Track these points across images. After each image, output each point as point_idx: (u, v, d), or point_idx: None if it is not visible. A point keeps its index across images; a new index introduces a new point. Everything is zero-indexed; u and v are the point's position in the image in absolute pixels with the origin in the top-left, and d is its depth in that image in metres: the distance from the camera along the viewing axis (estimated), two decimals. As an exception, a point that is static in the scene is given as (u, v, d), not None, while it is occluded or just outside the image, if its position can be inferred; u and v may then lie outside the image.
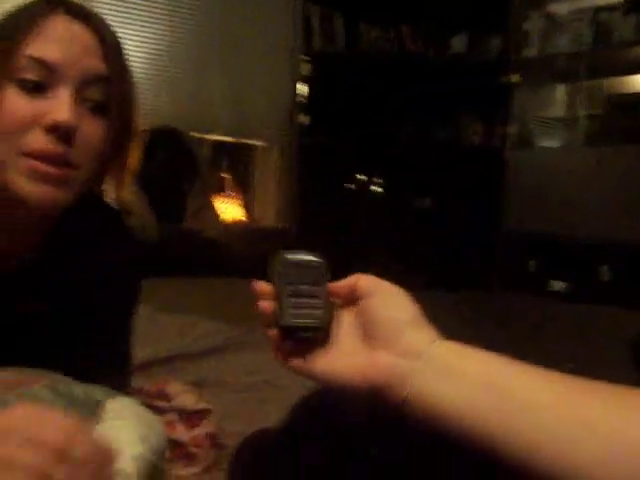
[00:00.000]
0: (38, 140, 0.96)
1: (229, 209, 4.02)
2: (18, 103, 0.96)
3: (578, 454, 0.60)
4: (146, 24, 3.74)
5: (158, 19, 3.78)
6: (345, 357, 0.76)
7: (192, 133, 3.81)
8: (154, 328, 2.55)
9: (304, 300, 0.76)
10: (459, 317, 3.89)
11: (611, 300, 3.55)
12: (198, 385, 1.98)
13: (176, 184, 3.63)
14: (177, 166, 3.62)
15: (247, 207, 4.20)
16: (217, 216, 3.80)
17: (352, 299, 0.79)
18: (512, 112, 4.10)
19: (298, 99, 4.08)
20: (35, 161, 0.96)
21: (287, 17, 4.07)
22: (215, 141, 4.08)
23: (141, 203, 3.36)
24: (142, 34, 3.70)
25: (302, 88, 4.08)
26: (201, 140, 3.96)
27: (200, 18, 3.91)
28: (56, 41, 0.98)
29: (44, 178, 0.97)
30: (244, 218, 4.11)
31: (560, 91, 4.25)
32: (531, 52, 4.01)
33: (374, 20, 4.12)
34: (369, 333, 0.75)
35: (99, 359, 1.14)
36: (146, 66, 3.69)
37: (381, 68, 4.13)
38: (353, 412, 0.90)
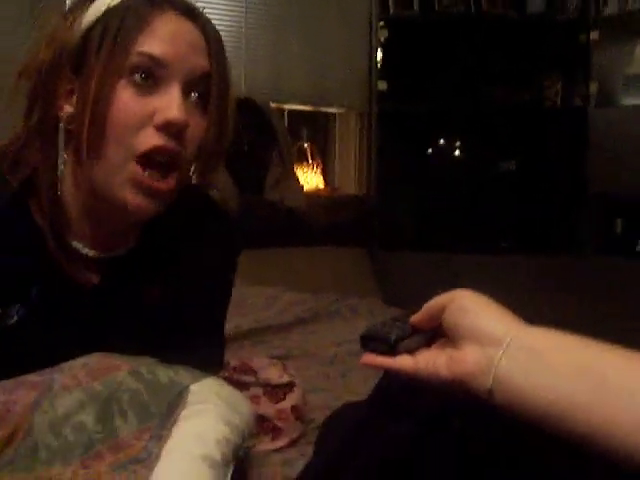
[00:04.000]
0: (151, 138, 0.98)
1: (309, 178, 4.04)
2: (130, 102, 0.98)
3: None
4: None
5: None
6: (431, 356, 0.78)
7: (270, 103, 3.83)
8: (239, 300, 2.60)
9: (388, 326, 0.84)
10: (546, 281, 3.86)
11: None
12: (283, 357, 2.02)
13: (256, 155, 3.66)
14: (256, 137, 3.65)
15: (327, 176, 4.22)
16: (297, 186, 3.83)
17: (436, 322, 0.81)
18: (593, 71, 3.99)
19: (376, 65, 4.05)
20: (143, 173, 0.99)
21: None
22: (293, 110, 4.09)
23: (223, 176, 3.41)
24: (218, 4, 3.72)
25: (379, 54, 4.05)
26: (279, 110, 3.98)
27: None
28: (166, 38, 1.00)
29: (147, 191, 1.00)
30: (324, 187, 4.12)
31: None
32: (611, 9, 3.89)
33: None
34: (454, 336, 0.76)
35: (200, 339, 1.19)
36: (223, 36, 3.71)
37: (458, 31, 4.07)
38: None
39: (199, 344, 1.16)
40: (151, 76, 0.99)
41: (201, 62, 1.03)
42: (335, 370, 2.00)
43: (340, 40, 4.05)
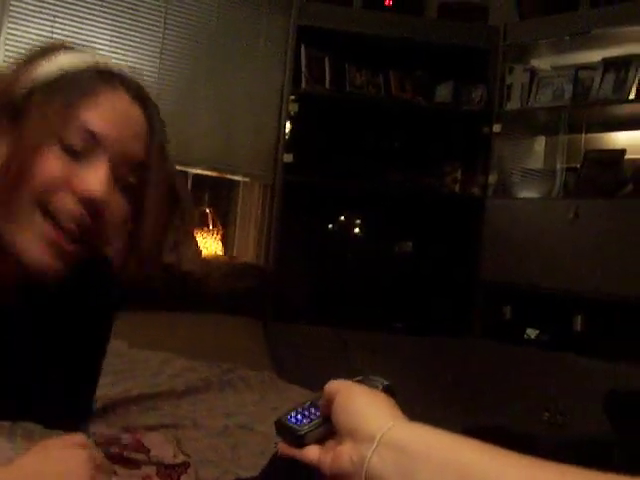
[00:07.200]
0: (69, 202, 0.97)
1: (208, 244, 4.02)
2: (57, 163, 0.97)
3: None
4: (137, 53, 3.77)
5: (149, 49, 3.81)
6: (328, 449, 0.78)
7: (175, 165, 3.81)
8: (128, 365, 2.54)
9: (301, 415, 0.86)
10: (435, 362, 3.92)
11: (584, 350, 3.60)
12: (173, 426, 1.97)
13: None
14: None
15: (227, 243, 4.20)
16: (196, 250, 3.80)
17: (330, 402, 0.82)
18: (493, 162, 4.16)
19: (283, 137, 4.11)
20: (55, 230, 0.97)
21: (277, 56, 4.12)
22: (197, 175, 4.09)
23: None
24: (132, 62, 3.70)
25: (288, 127, 4.11)
26: (183, 173, 3.96)
27: (191, 51, 3.95)
28: (109, 117, 1.00)
29: (56, 250, 0.99)
30: (222, 253, 4.11)
31: (540, 144, 4.33)
32: (513, 104, 4.09)
33: (362, 65, 4.17)
34: (338, 430, 0.77)
35: (72, 383, 1.16)
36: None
37: (367, 112, 4.20)
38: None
39: (71, 389, 1.15)
40: (85, 148, 0.99)
41: (138, 150, 1.04)
42: (225, 442, 1.95)
43: (250, 110, 4.10)
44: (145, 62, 3.78)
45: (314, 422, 0.83)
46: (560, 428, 3.54)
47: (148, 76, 3.77)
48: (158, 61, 3.83)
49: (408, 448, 0.68)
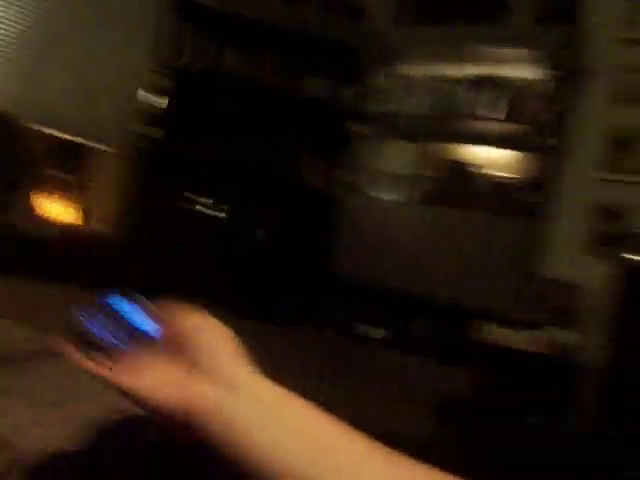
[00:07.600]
0: None
1: (62, 210, 3.90)
2: None
3: None
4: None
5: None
6: (160, 376, 0.73)
7: (31, 124, 3.66)
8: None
9: (105, 322, 0.64)
10: (275, 351, 3.94)
11: (422, 352, 3.70)
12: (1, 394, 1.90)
13: (7, 176, 3.49)
14: (8, 158, 3.49)
15: (81, 211, 4.09)
16: (48, 215, 3.68)
17: (176, 330, 0.76)
18: (356, 161, 4.22)
19: (150, 110, 4.04)
20: None
21: (152, 29, 4.05)
22: (59, 140, 3.95)
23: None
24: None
25: (156, 100, 4.05)
26: (42, 135, 3.82)
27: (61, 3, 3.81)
28: None
29: None
30: (76, 222, 3.99)
31: (404, 149, 4.42)
32: (382, 107, 4.16)
33: (239, 46, 4.15)
34: (190, 360, 0.72)
35: None
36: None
37: (239, 93, 4.17)
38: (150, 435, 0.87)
39: None
40: None
41: None
42: (52, 414, 1.91)
43: (118, 79, 4.01)
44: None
45: (127, 332, 0.64)
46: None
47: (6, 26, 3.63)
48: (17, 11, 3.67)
49: (267, 405, 0.68)
